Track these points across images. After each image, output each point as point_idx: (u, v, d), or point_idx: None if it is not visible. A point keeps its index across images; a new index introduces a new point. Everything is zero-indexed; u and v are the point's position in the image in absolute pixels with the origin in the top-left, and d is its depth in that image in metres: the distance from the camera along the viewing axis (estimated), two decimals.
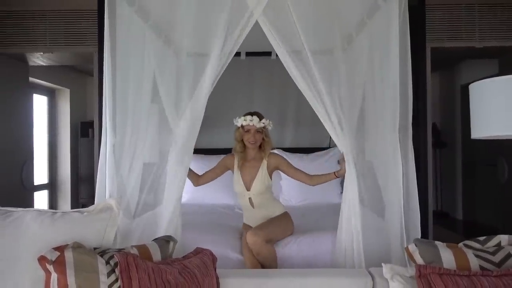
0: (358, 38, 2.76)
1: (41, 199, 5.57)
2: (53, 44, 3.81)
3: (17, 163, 4.19)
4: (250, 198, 2.74)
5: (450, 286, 1.33)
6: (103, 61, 3.62)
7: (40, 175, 5.50)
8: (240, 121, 2.71)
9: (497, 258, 1.46)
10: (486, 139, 1.89)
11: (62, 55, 4.14)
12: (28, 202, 4.41)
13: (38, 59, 4.24)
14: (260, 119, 2.69)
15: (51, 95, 5.87)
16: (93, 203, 1.86)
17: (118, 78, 2.36)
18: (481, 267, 1.45)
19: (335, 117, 2.26)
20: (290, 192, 3.97)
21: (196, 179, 2.83)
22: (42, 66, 4.58)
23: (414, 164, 2.24)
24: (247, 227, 2.79)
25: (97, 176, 2.29)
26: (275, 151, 3.23)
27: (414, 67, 3.61)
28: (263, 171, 2.73)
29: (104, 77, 2.31)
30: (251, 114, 2.72)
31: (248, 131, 2.70)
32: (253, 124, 2.67)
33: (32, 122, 4.62)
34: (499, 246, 1.51)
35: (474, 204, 5.51)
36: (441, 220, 5.73)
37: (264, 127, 2.72)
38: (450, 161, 6.07)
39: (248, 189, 2.73)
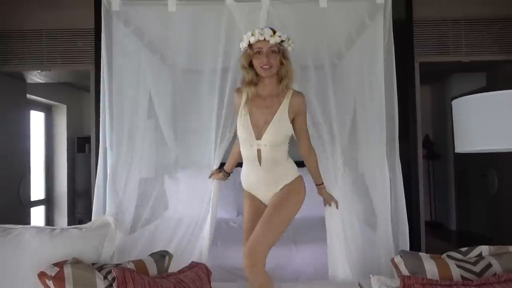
0: (347, 54, 2.85)
1: (37, 215, 5.59)
2: (50, 63, 3.88)
3: (14, 179, 4.24)
4: (259, 150, 2.04)
5: None
6: (99, 79, 3.73)
7: (37, 190, 5.53)
8: (246, 38, 1.99)
9: (477, 268, 1.53)
10: (469, 153, 1.97)
11: (59, 73, 4.22)
12: (24, 218, 4.44)
13: (35, 76, 4.31)
14: (275, 32, 1.98)
15: (48, 111, 5.94)
16: (90, 218, 1.91)
17: (115, 95, 2.43)
18: (463, 277, 1.51)
19: (327, 132, 2.32)
20: None
21: (236, 155, 2.29)
22: (39, 83, 4.65)
23: (402, 177, 2.30)
24: (249, 196, 2.20)
25: (95, 192, 2.34)
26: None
27: (403, 81, 3.73)
28: (282, 113, 2.02)
29: (102, 95, 2.37)
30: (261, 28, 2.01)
31: (259, 51, 1.97)
32: (265, 39, 1.95)
33: (29, 138, 4.68)
34: (480, 257, 1.58)
35: (467, 215, 5.59)
36: (435, 231, 5.79)
37: (281, 44, 1.98)
38: (443, 173, 6.17)
39: (258, 137, 2.03)
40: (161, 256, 1.73)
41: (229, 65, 2.34)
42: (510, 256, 1.57)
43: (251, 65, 2.02)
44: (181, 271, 1.69)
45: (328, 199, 2.25)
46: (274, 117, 2.01)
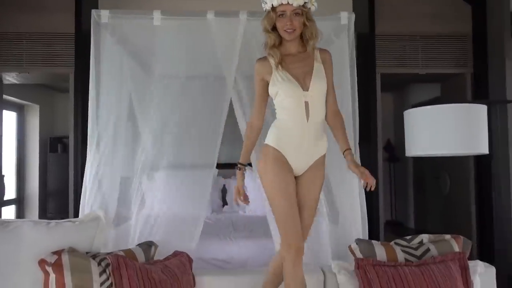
0: None
1: (8, 214, 5.60)
2: (29, 65, 3.97)
3: None
4: (306, 103, 1.92)
5: (380, 273, 1.68)
6: (79, 82, 3.85)
7: (8, 190, 5.54)
8: (269, 1, 1.94)
9: (418, 252, 1.84)
10: (416, 156, 2.27)
11: (35, 74, 4.29)
12: None
13: (12, 78, 4.37)
14: None
15: (20, 111, 5.94)
16: (61, 218, 2.06)
17: (100, 99, 2.60)
18: (406, 259, 1.81)
19: None
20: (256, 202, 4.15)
21: (252, 146, 2.13)
22: (13, 84, 4.69)
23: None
24: (282, 165, 1.95)
25: (83, 190, 2.50)
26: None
27: (365, 90, 4.05)
28: (319, 64, 2.00)
29: (90, 99, 2.54)
30: None
31: (282, 14, 1.93)
32: (288, 2, 1.90)
33: (1, 138, 4.71)
34: (421, 243, 1.89)
35: (424, 214, 6.00)
36: (395, 229, 6.19)
37: (304, 6, 1.93)
38: (403, 175, 6.59)
39: (305, 88, 1.93)
40: (148, 246, 1.94)
41: (209, 72, 2.57)
42: (445, 242, 1.89)
43: (273, 28, 1.98)
44: (166, 259, 1.90)
45: (357, 170, 1.94)
46: (314, 67, 1.96)
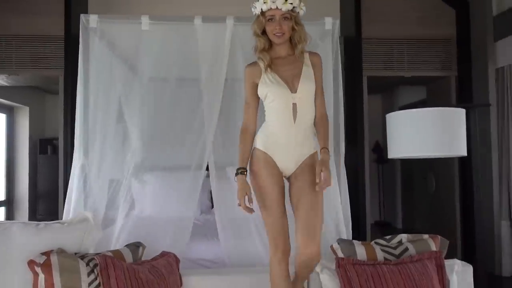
0: None
1: None
2: (19, 67, 3.99)
3: None
4: (294, 105, 1.96)
5: (360, 272, 1.75)
6: (68, 84, 3.87)
7: None
8: (259, 5, 1.97)
9: (397, 251, 1.91)
10: (399, 158, 2.34)
11: (25, 76, 4.31)
12: None
13: (2, 80, 4.38)
14: (286, 0, 1.95)
15: (10, 112, 5.94)
16: (51, 219, 2.10)
17: (89, 101, 2.64)
18: (385, 258, 1.88)
19: None
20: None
21: (251, 138, 2.08)
22: (2, 86, 4.71)
23: (346, 178, 2.65)
24: (269, 167, 2.00)
25: (68, 192, 2.53)
26: None
27: (352, 93, 4.13)
28: (308, 67, 2.02)
29: (79, 101, 2.57)
30: None
31: (271, 18, 1.96)
32: (277, 7, 1.93)
33: None
34: (400, 243, 1.97)
35: (412, 214, 6.10)
36: (383, 230, 6.28)
37: (292, 10, 1.97)
38: (391, 176, 6.68)
39: (293, 90, 1.97)
40: (136, 247, 1.98)
41: (197, 75, 2.63)
42: (423, 242, 1.97)
43: (263, 32, 2.01)
44: (153, 259, 1.95)
45: (318, 169, 1.88)
46: (302, 69, 1.99)
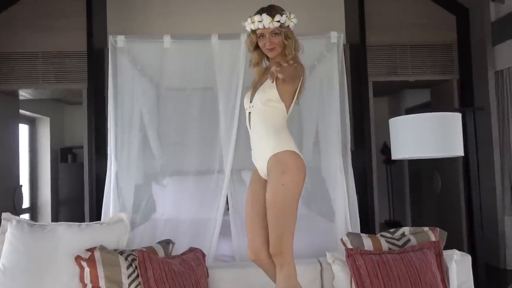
0: (310, 77, 3.41)
1: None
2: (45, 81, 4.27)
3: (7, 188, 4.57)
4: (250, 114, 2.10)
5: (367, 261, 1.97)
6: (91, 97, 4.14)
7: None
8: (248, 25, 2.06)
9: (400, 242, 2.14)
10: (402, 159, 2.55)
11: (51, 90, 4.59)
12: None
13: (28, 93, 4.67)
14: (273, 17, 1.99)
15: (32, 123, 6.23)
16: None
17: (117, 112, 2.89)
18: (389, 248, 2.10)
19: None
20: None
21: None
22: (26, 99, 4.98)
23: (353, 179, 2.87)
24: (252, 176, 2.18)
25: (105, 196, 2.79)
26: None
27: (359, 98, 4.34)
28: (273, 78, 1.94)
29: (109, 113, 2.83)
30: (261, 11, 2.04)
31: (262, 35, 2.05)
32: (264, 26, 2.01)
33: (18, 150, 5.00)
34: (403, 235, 2.19)
35: (420, 213, 6.26)
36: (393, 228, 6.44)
37: (281, 26, 2.02)
38: (399, 176, 6.86)
39: (252, 100, 2.09)
40: (166, 243, 2.22)
41: (210, 86, 2.88)
42: (423, 233, 2.19)
43: (258, 46, 2.10)
44: (183, 254, 2.18)
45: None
46: (266, 81, 2.02)
